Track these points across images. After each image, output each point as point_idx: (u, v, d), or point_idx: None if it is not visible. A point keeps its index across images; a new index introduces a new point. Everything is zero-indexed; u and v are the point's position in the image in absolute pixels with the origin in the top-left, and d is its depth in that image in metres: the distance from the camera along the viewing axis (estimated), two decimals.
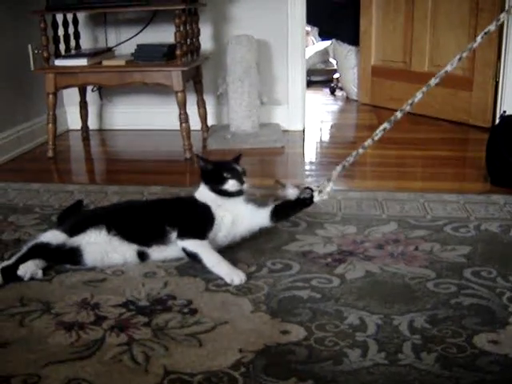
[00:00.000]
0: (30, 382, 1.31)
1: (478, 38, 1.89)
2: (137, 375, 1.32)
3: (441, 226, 2.13)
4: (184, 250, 1.86)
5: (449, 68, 1.91)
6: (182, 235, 1.87)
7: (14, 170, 3.09)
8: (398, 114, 1.97)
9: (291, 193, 1.98)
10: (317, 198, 1.97)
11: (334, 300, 1.63)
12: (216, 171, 1.95)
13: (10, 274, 1.78)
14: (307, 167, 3.10)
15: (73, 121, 3.89)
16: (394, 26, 4.17)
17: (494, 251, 1.92)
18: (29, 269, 1.78)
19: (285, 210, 1.98)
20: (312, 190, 1.97)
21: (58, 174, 3.12)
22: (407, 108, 1.97)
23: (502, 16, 1.91)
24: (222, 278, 1.76)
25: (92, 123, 3.85)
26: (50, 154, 3.27)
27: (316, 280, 1.75)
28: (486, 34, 1.87)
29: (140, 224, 1.93)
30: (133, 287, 1.73)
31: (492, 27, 1.86)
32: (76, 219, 2.00)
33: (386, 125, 1.98)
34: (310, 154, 3.37)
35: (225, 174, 1.92)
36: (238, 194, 1.94)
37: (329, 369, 1.33)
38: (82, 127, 3.72)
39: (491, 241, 2.00)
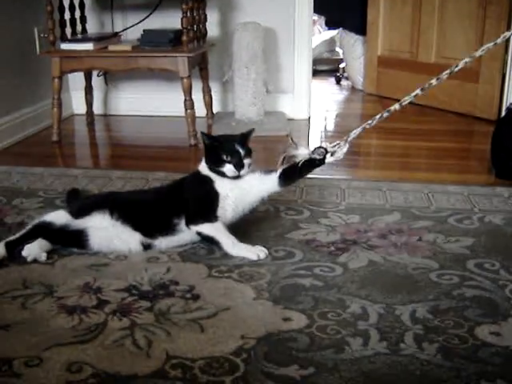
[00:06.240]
0: (32, 364, 1.31)
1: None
2: (138, 359, 1.33)
3: (444, 218, 2.13)
4: (199, 234, 1.85)
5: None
6: (192, 220, 1.84)
7: (18, 154, 3.09)
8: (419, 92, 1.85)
9: (303, 152, 1.87)
10: (330, 158, 1.87)
11: (336, 288, 1.63)
12: (216, 151, 1.86)
13: (13, 248, 1.80)
14: None
15: (78, 105, 3.88)
16: (402, 17, 4.15)
17: (498, 243, 1.92)
18: (33, 250, 1.79)
19: (293, 173, 1.89)
20: (326, 150, 1.86)
21: (62, 158, 3.12)
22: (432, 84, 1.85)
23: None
24: (243, 258, 1.80)
25: (97, 108, 3.83)
26: (55, 138, 3.26)
27: (319, 268, 1.75)
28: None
29: (144, 217, 1.89)
30: (135, 272, 1.73)
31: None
32: (83, 202, 2.00)
33: (418, 91, 1.83)
34: (315, 142, 3.36)
35: (224, 157, 1.85)
36: (235, 178, 1.87)
37: (330, 357, 1.33)
38: (86, 112, 3.71)
39: (495, 233, 2.00)
